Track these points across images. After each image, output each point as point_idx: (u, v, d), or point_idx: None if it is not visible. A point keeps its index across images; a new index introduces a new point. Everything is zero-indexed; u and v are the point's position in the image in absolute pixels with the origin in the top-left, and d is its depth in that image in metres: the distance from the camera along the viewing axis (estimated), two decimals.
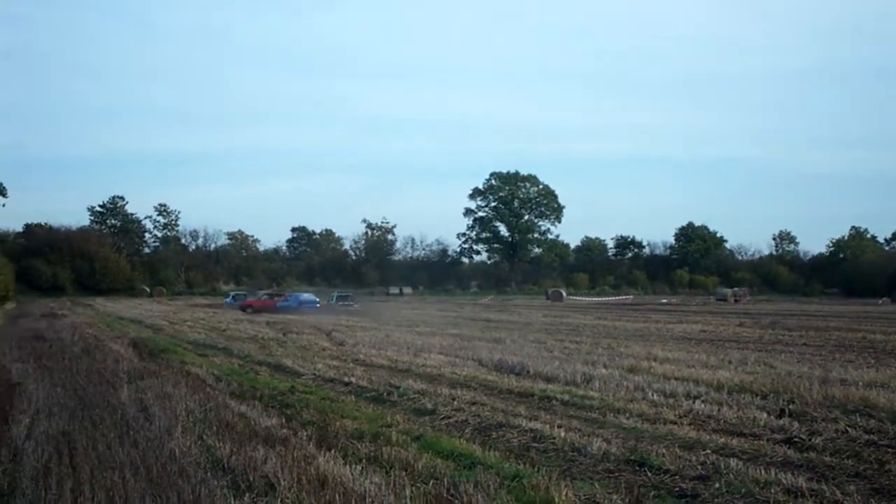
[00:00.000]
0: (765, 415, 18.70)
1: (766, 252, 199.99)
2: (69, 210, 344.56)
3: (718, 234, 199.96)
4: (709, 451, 15.12)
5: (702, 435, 16.69)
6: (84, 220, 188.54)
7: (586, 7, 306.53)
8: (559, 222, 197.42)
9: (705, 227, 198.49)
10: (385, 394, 23.06)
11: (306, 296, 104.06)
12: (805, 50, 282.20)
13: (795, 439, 16.20)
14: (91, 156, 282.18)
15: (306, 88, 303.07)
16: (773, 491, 12.43)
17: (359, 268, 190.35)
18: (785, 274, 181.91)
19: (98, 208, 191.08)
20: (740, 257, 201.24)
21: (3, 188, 58.38)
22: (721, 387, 22.85)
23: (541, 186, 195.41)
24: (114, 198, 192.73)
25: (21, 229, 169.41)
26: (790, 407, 19.59)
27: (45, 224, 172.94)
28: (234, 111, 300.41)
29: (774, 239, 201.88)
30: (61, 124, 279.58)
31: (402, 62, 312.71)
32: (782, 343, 40.48)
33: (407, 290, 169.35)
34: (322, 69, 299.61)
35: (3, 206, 65.29)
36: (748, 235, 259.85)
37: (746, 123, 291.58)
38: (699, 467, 13.97)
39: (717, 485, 12.93)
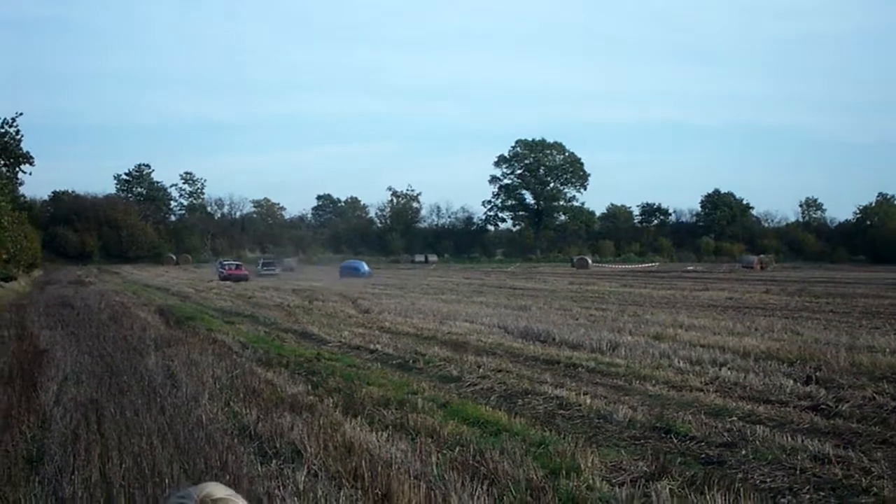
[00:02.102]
0: (791, 382, 18.65)
1: (793, 219, 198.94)
2: (96, 178, 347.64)
3: (745, 201, 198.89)
4: (735, 418, 15.11)
5: (728, 402, 16.67)
6: (110, 188, 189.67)
7: None
8: (584, 189, 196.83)
9: (731, 194, 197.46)
10: (411, 361, 23.11)
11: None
12: (833, 14, 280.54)
13: (822, 406, 16.16)
14: (117, 124, 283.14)
15: (331, 57, 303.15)
16: (799, 458, 12.40)
17: (384, 236, 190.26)
18: (811, 241, 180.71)
19: (124, 176, 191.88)
20: (766, 224, 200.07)
21: (30, 156, 58.29)
22: (747, 354, 22.80)
23: (566, 154, 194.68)
24: (140, 166, 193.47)
25: (48, 197, 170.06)
26: (817, 374, 19.53)
27: (72, 192, 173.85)
28: (260, 80, 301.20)
29: (801, 206, 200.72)
30: (88, 93, 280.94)
31: (428, 29, 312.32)
32: (809, 310, 40.34)
33: (432, 258, 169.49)
34: (348, 37, 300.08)
35: (30, 174, 65.23)
36: (775, 202, 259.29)
37: (774, 89, 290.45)
38: (725, 434, 13.95)
39: (743, 451, 12.91)
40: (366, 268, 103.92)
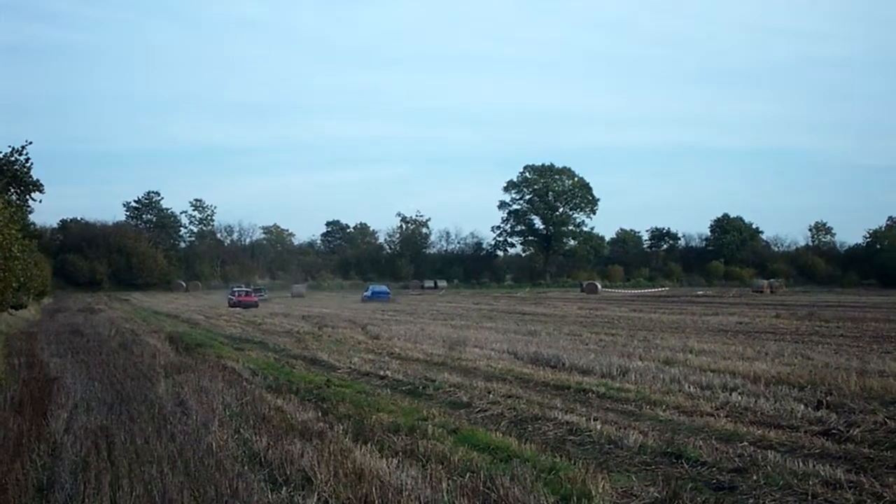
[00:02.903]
0: (802, 406, 18.61)
1: (803, 243, 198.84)
2: (105, 205, 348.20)
3: (754, 226, 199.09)
4: (746, 443, 15.08)
5: (739, 427, 16.63)
6: (120, 215, 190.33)
7: None
8: (594, 214, 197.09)
9: (741, 219, 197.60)
10: (421, 387, 23.09)
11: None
12: (843, 37, 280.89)
13: (833, 431, 16.13)
14: (126, 151, 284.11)
15: (340, 81, 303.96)
16: (811, 483, 12.38)
17: (394, 261, 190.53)
18: (821, 265, 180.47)
19: (134, 203, 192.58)
20: (776, 248, 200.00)
21: (40, 184, 58.50)
22: (758, 379, 22.75)
23: (575, 179, 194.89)
24: (149, 193, 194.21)
25: (58, 225, 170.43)
26: (828, 399, 19.49)
27: (82, 219, 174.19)
28: (269, 105, 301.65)
29: (810, 230, 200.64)
30: (96, 120, 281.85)
31: (436, 53, 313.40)
32: (819, 334, 40.24)
33: (442, 283, 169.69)
34: (356, 61, 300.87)
35: (40, 202, 65.54)
36: (784, 226, 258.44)
37: (783, 112, 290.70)
38: (736, 459, 13.92)
39: (754, 477, 12.88)
40: (388, 291, 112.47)
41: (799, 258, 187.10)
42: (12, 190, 55.84)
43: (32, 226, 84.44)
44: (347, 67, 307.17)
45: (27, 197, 59.96)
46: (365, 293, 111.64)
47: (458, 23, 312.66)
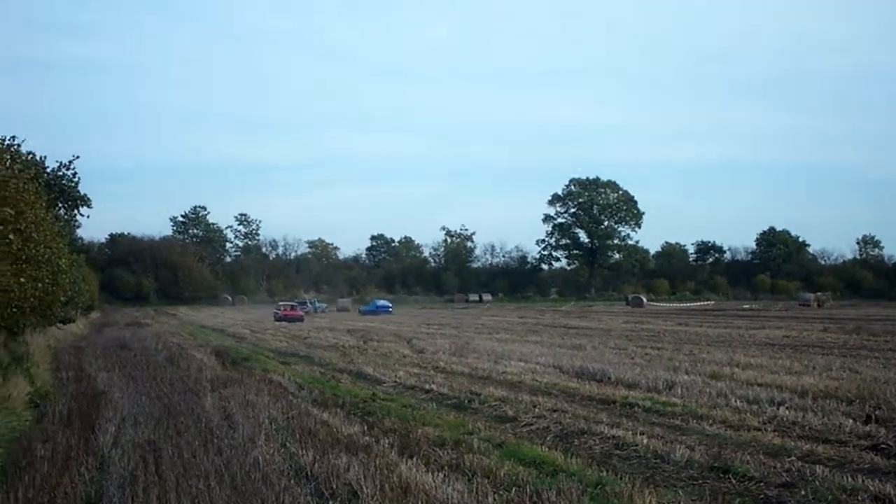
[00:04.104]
0: (850, 421, 18.46)
1: (850, 256, 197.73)
2: (152, 220, 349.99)
3: (801, 239, 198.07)
4: (794, 457, 14.95)
5: (786, 441, 16.51)
6: (167, 229, 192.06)
7: (666, 11, 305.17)
8: (639, 228, 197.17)
9: (787, 232, 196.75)
10: (466, 401, 23.04)
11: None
12: (890, 50, 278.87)
13: (882, 446, 15.97)
14: (172, 166, 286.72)
15: (384, 98, 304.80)
16: (860, 498, 12.29)
17: (438, 275, 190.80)
18: (869, 278, 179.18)
19: (180, 218, 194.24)
20: (823, 262, 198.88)
21: (88, 199, 58.83)
22: (805, 393, 22.59)
23: (620, 192, 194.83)
24: (195, 208, 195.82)
25: (105, 240, 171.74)
26: (876, 413, 19.31)
27: (129, 234, 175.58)
28: (313, 122, 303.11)
29: (858, 243, 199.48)
30: (143, 136, 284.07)
31: (483, 67, 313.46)
32: (867, 348, 39.86)
33: (487, 297, 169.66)
34: (401, 75, 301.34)
35: (88, 217, 66.13)
36: (831, 240, 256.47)
37: (830, 126, 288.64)
38: (784, 474, 13.82)
39: (802, 492, 12.78)
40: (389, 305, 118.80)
41: (846, 271, 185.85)
42: (60, 205, 56.21)
43: (80, 240, 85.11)
44: (391, 84, 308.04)
45: (75, 212, 60.32)
46: (364, 307, 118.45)
47: (500, 37, 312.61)
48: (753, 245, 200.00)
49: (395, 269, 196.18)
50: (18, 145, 33.39)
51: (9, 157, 29.30)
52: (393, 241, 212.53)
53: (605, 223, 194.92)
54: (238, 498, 12.30)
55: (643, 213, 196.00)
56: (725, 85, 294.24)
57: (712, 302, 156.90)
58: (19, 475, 14.08)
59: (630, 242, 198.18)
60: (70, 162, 56.41)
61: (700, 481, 13.76)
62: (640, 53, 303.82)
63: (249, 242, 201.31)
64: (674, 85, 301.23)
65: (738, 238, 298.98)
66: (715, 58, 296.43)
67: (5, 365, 27.33)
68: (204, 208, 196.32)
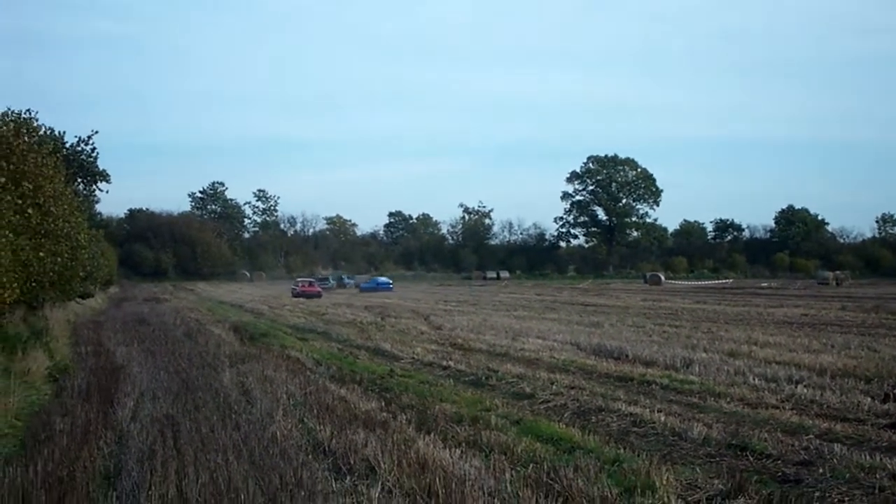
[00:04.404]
0: (869, 399, 18.43)
1: (869, 235, 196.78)
2: (171, 196, 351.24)
3: (820, 217, 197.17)
4: (812, 435, 14.92)
5: (804, 420, 16.47)
6: (185, 205, 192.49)
7: None
8: (657, 206, 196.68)
9: (806, 210, 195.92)
10: (483, 378, 23.05)
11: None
12: None
13: None
14: (191, 142, 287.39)
15: (403, 73, 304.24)
16: (878, 476, 12.24)
17: (456, 252, 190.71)
18: (888, 257, 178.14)
19: (198, 194, 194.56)
20: (842, 240, 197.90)
21: (106, 174, 58.99)
22: (824, 371, 22.55)
23: (639, 170, 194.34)
24: (214, 183, 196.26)
25: (124, 215, 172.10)
26: (895, 391, 19.26)
27: (148, 210, 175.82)
28: (332, 97, 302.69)
29: (877, 221, 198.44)
30: (162, 112, 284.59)
31: (500, 45, 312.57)
32: (886, 327, 39.68)
33: (504, 274, 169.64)
34: (420, 53, 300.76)
35: (107, 192, 66.45)
36: (850, 218, 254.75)
37: (849, 105, 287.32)
38: (802, 452, 13.79)
39: (820, 470, 12.75)
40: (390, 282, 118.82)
41: (865, 250, 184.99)
42: (79, 180, 56.29)
43: (99, 216, 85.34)
44: (411, 60, 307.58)
45: (94, 187, 60.44)
46: (364, 284, 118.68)
47: (519, 15, 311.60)
48: (772, 223, 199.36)
49: (412, 246, 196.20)
50: (35, 119, 33.41)
51: (26, 130, 29.32)
52: (411, 217, 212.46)
53: (624, 201, 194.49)
54: (256, 472, 12.32)
55: (661, 191, 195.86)
56: (747, 63, 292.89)
57: (731, 280, 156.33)
58: (39, 448, 14.13)
59: (648, 220, 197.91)
60: (89, 137, 56.55)
61: (717, 459, 13.74)
62: (661, 31, 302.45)
63: (268, 218, 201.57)
64: (694, 62, 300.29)
65: (757, 216, 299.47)
66: (737, 36, 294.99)
67: (25, 339, 27.43)
68: (222, 184, 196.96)
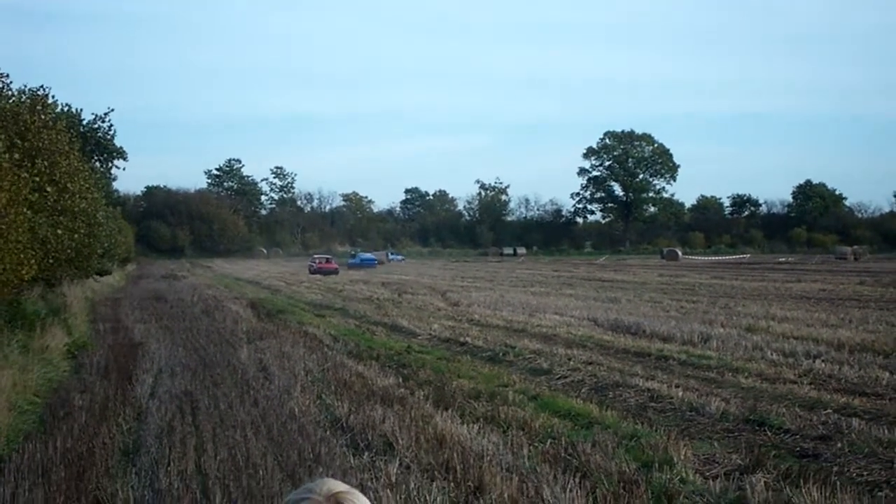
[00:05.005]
0: (887, 374, 18.39)
1: (888, 209, 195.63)
2: (188, 173, 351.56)
3: (837, 192, 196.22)
4: (830, 410, 14.89)
5: (822, 394, 16.45)
6: (202, 182, 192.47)
7: None
8: (674, 181, 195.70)
9: (823, 185, 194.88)
10: (501, 354, 23.09)
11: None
12: None
13: None
14: (208, 119, 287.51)
15: (419, 49, 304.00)
16: None
17: (473, 228, 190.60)
18: None
19: (215, 171, 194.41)
20: (860, 215, 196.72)
21: (123, 151, 59.22)
22: (842, 346, 22.50)
23: (655, 145, 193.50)
24: (230, 160, 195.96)
25: (141, 192, 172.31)
26: None
27: (165, 187, 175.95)
28: (348, 73, 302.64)
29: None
30: (180, 89, 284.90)
31: (516, 20, 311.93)
32: None
33: (521, 250, 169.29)
34: (435, 29, 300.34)
35: (124, 169, 66.87)
36: (868, 193, 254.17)
37: (866, 78, 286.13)
38: (820, 427, 13.78)
39: (838, 445, 12.74)
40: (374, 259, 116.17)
41: (883, 224, 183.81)
42: (96, 157, 56.42)
43: (116, 193, 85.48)
44: (427, 36, 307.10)
45: (111, 164, 60.60)
46: (351, 260, 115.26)
47: None
48: (790, 198, 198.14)
49: (429, 223, 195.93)
50: (50, 95, 33.40)
51: (41, 107, 29.36)
52: (427, 194, 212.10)
53: (640, 176, 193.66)
54: (274, 448, 12.38)
55: (678, 167, 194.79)
56: (765, 37, 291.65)
57: (748, 255, 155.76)
58: (58, 425, 14.22)
59: (665, 196, 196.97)
60: (105, 114, 56.73)
61: (735, 434, 13.75)
62: (677, 5, 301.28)
63: (284, 195, 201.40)
64: (711, 37, 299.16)
65: (774, 191, 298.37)
66: (756, 9, 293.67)
67: (43, 316, 27.50)
68: (239, 161, 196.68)
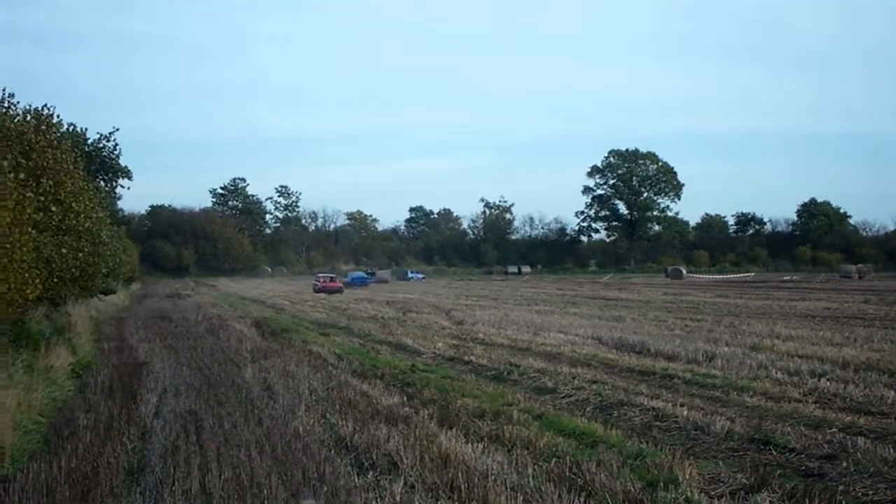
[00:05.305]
0: (892, 393, 18.38)
1: (892, 228, 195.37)
2: (192, 192, 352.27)
3: (842, 210, 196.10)
4: (835, 429, 14.89)
5: (828, 413, 16.44)
6: (206, 201, 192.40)
7: None
8: (678, 199, 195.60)
9: (828, 203, 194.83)
10: (505, 372, 23.08)
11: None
12: None
13: None
14: (213, 139, 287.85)
15: (423, 70, 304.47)
16: None
17: (477, 247, 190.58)
18: None
19: (220, 190, 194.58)
20: (864, 233, 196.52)
21: (128, 171, 59.44)
22: (847, 365, 22.50)
23: (660, 164, 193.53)
24: (235, 179, 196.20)
25: (146, 211, 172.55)
26: None
27: (169, 206, 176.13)
28: (352, 93, 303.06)
29: None
30: (184, 108, 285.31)
31: (519, 39, 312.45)
32: None
33: (525, 268, 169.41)
34: (438, 48, 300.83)
35: (128, 188, 67.11)
36: (873, 211, 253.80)
37: (871, 98, 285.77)
38: (825, 446, 13.77)
39: (844, 464, 12.73)
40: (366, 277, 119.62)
41: (888, 243, 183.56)
42: (100, 176, 56.54)
43: (121, 212, 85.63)
44: (431, 55, 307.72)
45: (115, 183, 60.71)
46: (344, 279, 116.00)
47: (539, 8, 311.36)
48: (794, 217, 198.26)
49: (433, 241, 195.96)
50: (55, 115, 33.43)
51: (46, 126, 29.39)
52: (432, 212, 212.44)
53: (645, 195, 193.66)
54: (279, 468, 12.37)
55: (683, 185, 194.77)
56: (769, 55, 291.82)
57: (753, 274, 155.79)
58: (63, 444, 14.21)
59: (670, 214, 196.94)
60: (110, 133, 56.86)
61: (740, 453, 13.73)
62: (681, 23, 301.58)
63: (289, 214, 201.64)
64: (715, 55, 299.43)
65: (779, 209, 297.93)
66: (759, 27, 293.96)
67: (48, 335, 27.48)
68: (243, 180, 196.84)
